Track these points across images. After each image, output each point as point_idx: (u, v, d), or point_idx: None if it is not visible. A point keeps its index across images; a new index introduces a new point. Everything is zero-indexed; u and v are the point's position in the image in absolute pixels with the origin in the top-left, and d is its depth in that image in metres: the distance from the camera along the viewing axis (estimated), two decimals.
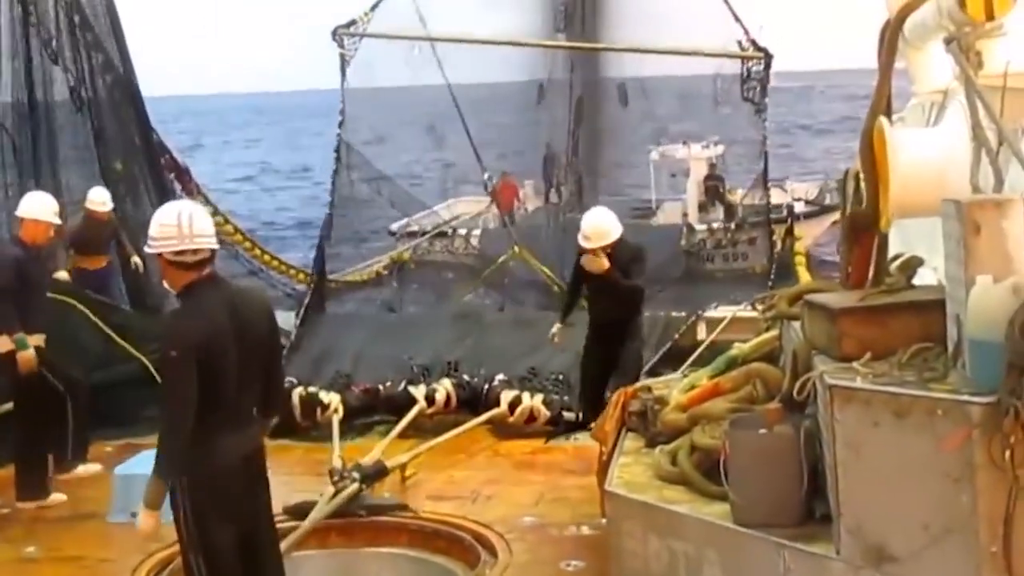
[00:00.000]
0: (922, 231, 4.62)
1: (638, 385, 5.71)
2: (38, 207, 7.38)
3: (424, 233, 16.84)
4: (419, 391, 8.34)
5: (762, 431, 4.15)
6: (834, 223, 19.43)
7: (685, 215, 19.62)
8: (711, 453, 4.42)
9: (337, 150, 12.75)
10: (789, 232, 17.71)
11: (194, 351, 4.26)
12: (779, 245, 17.45)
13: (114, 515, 6.59)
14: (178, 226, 4.37)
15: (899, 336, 3.81)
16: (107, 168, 10.34)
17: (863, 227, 4.50)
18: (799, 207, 19.69)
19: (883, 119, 4.26)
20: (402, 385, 8.46)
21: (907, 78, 5.63)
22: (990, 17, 3.90)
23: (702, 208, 19.60)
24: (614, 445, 5.22)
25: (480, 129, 15.09)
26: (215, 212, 12.40)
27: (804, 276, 13.17)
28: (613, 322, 7.74)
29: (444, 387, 8.41)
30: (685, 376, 5.81)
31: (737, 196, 18.67)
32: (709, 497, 4.35)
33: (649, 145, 20.88)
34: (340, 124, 12.65)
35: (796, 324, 4.62)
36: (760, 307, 5.53)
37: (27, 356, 7.01)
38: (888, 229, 4.31)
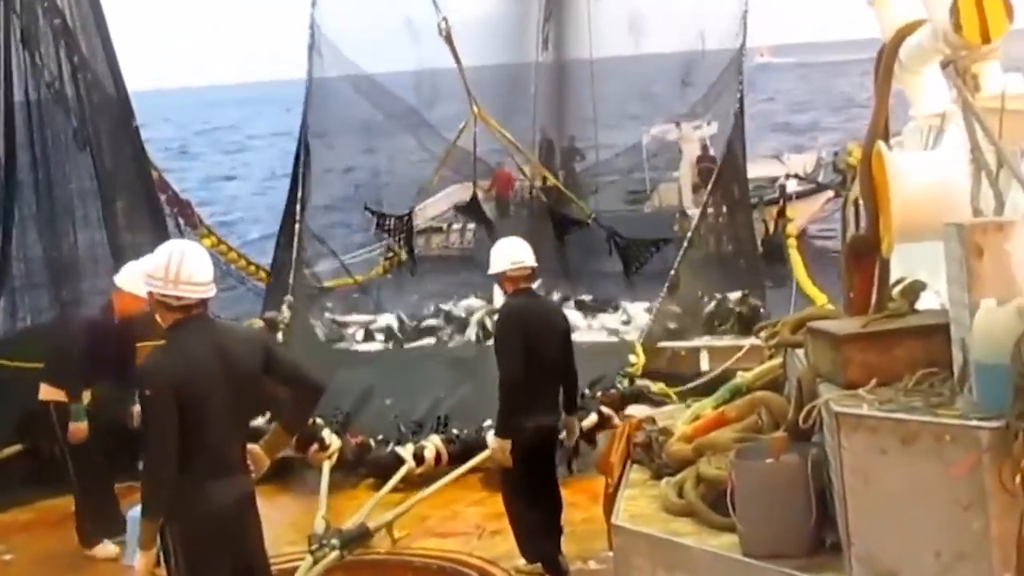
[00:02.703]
0: (924, 255, 4.60)
1: (643, 416, 5.67)
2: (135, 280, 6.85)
3: (427, 229, 16.73)
4: (407, 451, 8.09)
5: (768, 460, 4.12)
6: (828, 201, 19.44)
7: (679, 193, 19.20)
8: (717, 484, 4.38)
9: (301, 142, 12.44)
10: (781, 213, 17.74)
11: (170, 390, 4.23)
12: (771, 228, 17.51)
13: (128, 557, 6.42)
14: (166, 269, 4.38)
15: (904, 362, 3.79)
16: (108, 208, 10.32)
17: (864, 252, 4.49)
18: (791, 185, 19.44)
19: (881, 143, 4.25)
20: (389, 447, 8.21)
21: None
22: (986, 40, 3.91)
23: (696, 190, 18.77)
24: (620, 477, 5.17)
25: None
26: (219, 242, 12.44)
27: (796, 259, 13.11)
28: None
29: (433, 444, 8.15)
30: (689, 406, 5.77)
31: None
32: (717, 529, 4.31)
33: (641, 126, 20.47)
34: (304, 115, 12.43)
35: (800, 352, 4.60)
36: (763, 335, 5.50)
37: (79, 428, 6.83)
38: (889, 254, 4.30)
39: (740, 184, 12.56)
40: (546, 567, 6.13)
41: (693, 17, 14.94)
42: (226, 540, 4.41)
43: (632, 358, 9.49)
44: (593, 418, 8.20)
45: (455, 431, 8.32)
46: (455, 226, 17.34)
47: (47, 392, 6.97)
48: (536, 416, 6.13)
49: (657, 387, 8.98)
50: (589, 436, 7.91)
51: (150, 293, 4.44)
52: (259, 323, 10.09)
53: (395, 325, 11.56)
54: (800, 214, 18.56)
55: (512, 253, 6.28)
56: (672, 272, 11.11)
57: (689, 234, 11.76)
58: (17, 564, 7.01)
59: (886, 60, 4.58)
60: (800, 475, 3.97)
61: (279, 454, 4.98)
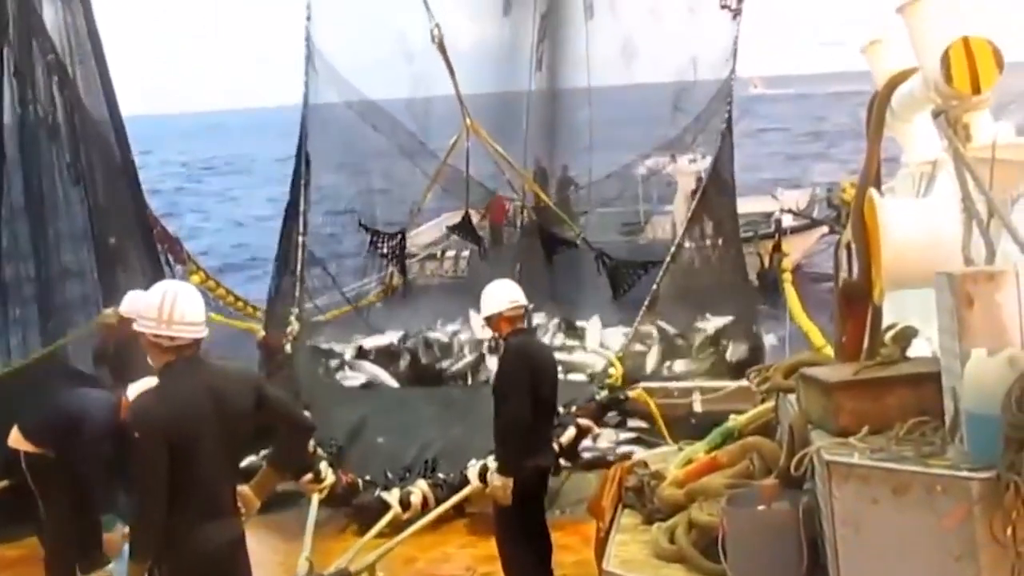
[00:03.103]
0: (916, 300, 4.60)
1: (635, 460, 5.65)
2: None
3: (416, 255, 16.65)
4: (393, 496, 8.03)
5: (760, 507, 4.10)
6: (823, 236, 19.43)
7: (674, 226, 19.23)
8: (709, 530, 4.35)
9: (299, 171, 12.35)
10: (776, 248, 17.79)
11: (160, 434, 4.22)
12: (766, 262, 17.55)
13: None
14: (159, 310, 4.37)
15: (895, 409, 3.78)
16: (101, 244, 10.30)
17: (856, 298, 4.49)
18: (787, 220, 19.51)
19: (873, 191, 4.27)
20: (376, 492, 8.16)
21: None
22: (976, 91, 3.93)
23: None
24: (611, 521, 5.14)
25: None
26: (207, 278, 12.42)
27: (791, 294, 13.07)
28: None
29: (420, 489, 8.09)
30: (681, 449, 5.75)
31: None
32: (708, 575, 4.28)
33: (631, 153, 20.29)
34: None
35: (792, 397, 4.59)
36: (755, 379, 5.49)
37: (113, 540, 6.35)
38: (881, 301, 4.30)
39: (728, 202, 12.40)
40: None
41: (685, 45, 14.94)
42: None
43: (611, 369, 9.46)
44: (571, 432, 8.21)
45: (442, 475, 8.25)
46: (449, 253, 17.32)
47: (17, 440, 6.75)
48: (535, 456, 6.23)
49: (635, 393, 8.93)
50: (569, 450, 7.91)
51: (143, 334, 4.42)
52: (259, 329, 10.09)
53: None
54: (795, 248, 18.66)
55: (507, 294, 6.37)
56: (654, 287, 11.03)
57: (672, 250, 11.63)
58: None
59: (878, 108, 4.61)
60: (791, 522, 3.95)
61: (269, 494, 4.95)
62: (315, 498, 7.79)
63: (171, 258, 11.39)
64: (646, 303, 10.83)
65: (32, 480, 6.72)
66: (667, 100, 16.30)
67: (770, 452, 4.75)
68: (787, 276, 14.84)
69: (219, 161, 70.30)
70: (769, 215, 19.92)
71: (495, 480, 6.27)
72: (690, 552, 4.42)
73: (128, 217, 10.56)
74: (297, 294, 11.11)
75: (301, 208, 12.03)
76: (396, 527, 7.56)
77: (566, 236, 14.56)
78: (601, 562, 4.75)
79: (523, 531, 6.23)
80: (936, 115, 4.07)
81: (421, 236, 17.77)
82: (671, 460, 5.48)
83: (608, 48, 16.09)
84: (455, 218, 16.87)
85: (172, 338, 4.36)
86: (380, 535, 7.43)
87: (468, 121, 13.63)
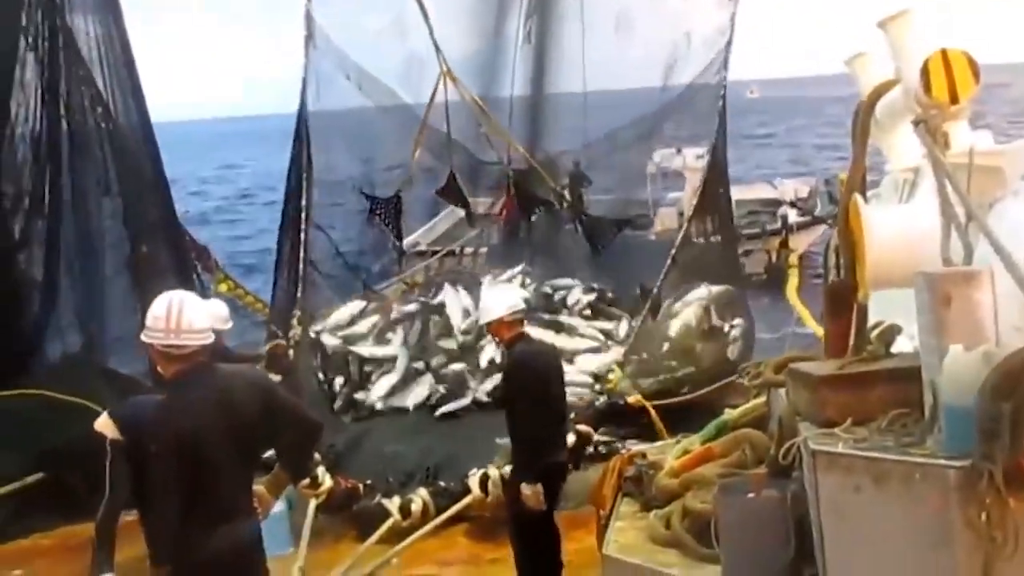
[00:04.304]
0: (900, 300, 4.65)
1: (634, 451, 5.71)
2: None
3: (434, 253, 16.23)
4: (393, 504, 7.72)
5: (750, 495, 4.14)
6: (825, 230, 19.27)
7: (681, 217, 18.89)
8: (702, 517, 4.41)
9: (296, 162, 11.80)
10: (783, 244, 17.77)
11: (172, 443, 4.18)
12: (773, 257, 17.48)
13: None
14: (167, 319, 4.29)
15: (879, 402, 3.83)
16: (135, 252, 10.32)
17: (843, 297, 4.54)
18: (792, 216, 19.40)
19: (858, 196, 4.32)
20: (376, 499, 7.84)
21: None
22: (954, 100, 3.98)
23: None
24: (611, 509, 5.20)
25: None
26: (236, 286, 12.36)
27: (792, 277, 12.95)
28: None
29: (420, 497, 7.76)
30: (679, 442, 5.80)
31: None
32: (701, 560, 4.34)
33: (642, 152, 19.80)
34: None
35: (782, 391, 4.64)
36: (748, 375, 5.54)
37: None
38: (866, 301, 4.35)
39: (725, 194, 12.10)
40: None
41: (680, 20, 14.36)
42: None
43: (610, 375, 9.27)
44: (571, 438, 7.95)
45: (443, 483, 7.97)
46: (467, 249, 16.95)
47: (105, 426, 6.91)
48: (550, 455, 6.20)
49: (634, 399, 8.70)
50: (571, 456, 7.68)
51: (151, 346, 4.35)
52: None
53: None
54: (800, 243, 18.67)
55: (506, 300, 6.35)
56: (655, 291, 10.60)
57: (673, 252, 11.18)
58: None
59: (863, 118, 4.65)
60: (779, 509, 4.00)
61: (283, 491, 4.96)
62: (311, 504, 7.45)
63: (199, 266, 11.34)
64: (647, 307, 10.48)
65: (110, 464, 6.84)
66: (659, 73, 15.56)
67: (761, 443, 4.81)
68: (793, 271, 14.85)
69: (236, 170, 69.33)
70: (769, 203, 19.83)
71: (526, 490, 6.23)
72: (684, 537, 4.48)
73: (159, 226, 10.59)
74: (300, 293, 10.42)
75: (303, 195, 11.47)
76: (395, 535, 7.38)
77: (544, 196, 14.17)
78: (601, 548, 4.81)
79: (537, 529, 6.20)
80: (916, 124, 4.11)
81: (436, 227, 17.45)
82: (668, 451, 5.53)
83: (604, 23, 15.39)
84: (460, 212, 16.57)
85: (180, 346, 4.30)
86: (378, 543, 7.23)
87: (444, 68, 13.15)
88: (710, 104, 12.44)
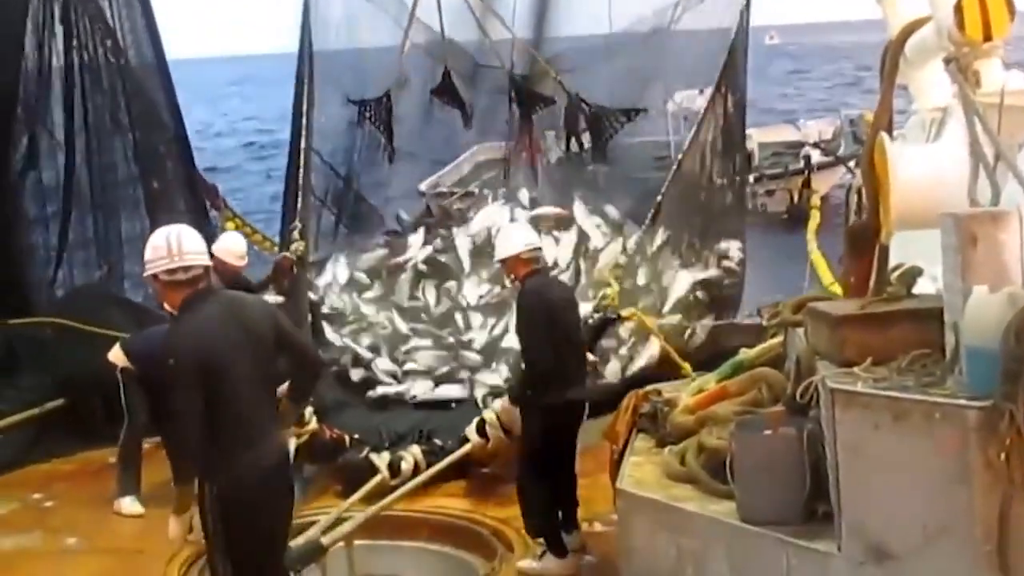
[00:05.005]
0: (922, 242, 4.60)
1: (648, 388, 5.69)
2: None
3: (453, 193, 15.77)
4: (382, 459, 6.96)
5: (766, 432, 4.14)
6: (848, 171, 19.05)
7: (703, 157, 18.36)
8: (718, 453, 4.40)
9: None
10: (806, 184, 17.57)
11: (193, 358, 4.21)
12: (795, 197, 17.24)
13: None
14: (167, 247, 4.36)
15: (899, 343, 3.80)
16: (147, 187, 10.27)
17: (865, 238, 4.49)
18: (816, 157, 19.07)
19: (884, 135, 4.25)
20: (364, 452, 7.08)
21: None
22: (987, 38, 3.90)
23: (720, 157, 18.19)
24: (625, 445, 5.21)
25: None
26: (243, 224, 12.25)
27: (813, 220, 12.64)
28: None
29: (412, 455, 7.02)
30: (694, 380, 5.79)
31: (753, 141, 17.20)
32: (716, 496, 4.34)
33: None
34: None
35: (800, 331, 4.61)
36: (766, 315, 5.51)
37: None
38: (889, 241, 4.30)
39: (740, 131, 11.56)
40: (549, 544, 5.93)
41: None
42: (263, 500, 4.40)
43: (607, 290, 8.64)
44: None
45: (438, 442, 7.27)
46: (486, 191, 16.43)
47: (116, 356, 7.08)
48: (567, 391, 5.93)
49: (629, 312, 8.19)
50: None
51: (155, 277, 4.40)
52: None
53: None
54: (824, 183, 18.46)
55: (524, 236, 6.15)
56: (658, 199, 9.68)
57: (680, 156, 10.34)
58: (57, 511, 7.12)
59: (892, 56, 4.56)
60: (796, 447, 4.00)
61: (289, 424, 4.94)
62: (291, 444, 6.38)
63: (208, 204, 11.29)
64: (650, 216, 9.54)
65: (124, 392, 7.01)
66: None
67: (778, 382, 4.80)
68: (815, 213, 14.61)
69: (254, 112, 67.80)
70: (793, 145, 19.63)
71: (502, 405, 6.04)
72: (699, 473, 4.48)
73: (173, 163, 10.53)
74: (300, 204, 9.59)
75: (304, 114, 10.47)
76: (382, 495, 6.63)
77: (546, 94, 13.62)
78: (615, 482, 4.82)
79: (547, 467, 5.96)
80: (948, 62, 4.03)
81: (461, 166, 17.09)
82: (684, 389, 5.53)
83: None
84: (484, 152, 16.12)
85: (186, 268, 4.34)
86: (363, 501, 6.54)
87: None
88: (722, 46, 11.89)
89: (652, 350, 8.07)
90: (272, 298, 7.81)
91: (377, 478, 6.80)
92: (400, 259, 10.22)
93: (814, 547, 3.79)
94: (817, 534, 3.85)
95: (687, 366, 7.82)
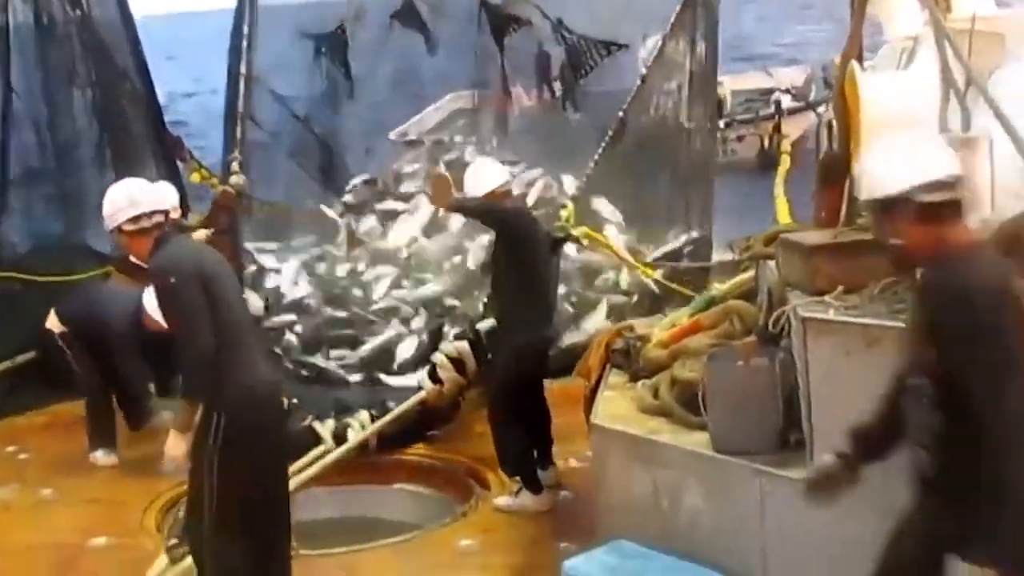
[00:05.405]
0: None
1: (621, 325, 5.68)
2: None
3: (422, 143, 15.41)
4: (326, 428, 6.26)
5: (739, 363, 4.15)
6: (818, 116, 19.11)
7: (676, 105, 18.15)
8: (691, 386, 4.42)
9: None
10: (776, 129, 17.49)
11: (191, 267, 4.22)
12: (766, 143, 17.17)
13: None
14: (126, 197, 4.41)
15: (870, 271, 3.79)
16: (115, 142, 10.07)
17: (836, 169, 4.47)
18: (786, 102, 19.20)
19: (855, 63, 4.22)
20: (308, 420, 6.32)
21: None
22: None
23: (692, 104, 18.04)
24: (598, 380, 5.21)
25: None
26: (209, 175, 11.96)
27: (783, 165, 12.59)
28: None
29: (360, 421, 6.32)
30: (666, 316, 5.79)
31: (724, 88, 16.99)
32: (689, 427, 4.36)
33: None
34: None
35: (771, 263, 4.61)
36: (737, 249, 5.50)
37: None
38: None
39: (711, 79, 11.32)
40: (525, 482, 5.86)
41: None
42: (266, 417, 4.35)
43: (563, 212, 8.26)
44: None
45: (391, 404, 6.58)
46: (457, 138, 16.08)
47: (54, 323, 7.01)
48: (534, 329, 5.82)
49: (581, 231, 7.95)
50: None
51: (119, 230, 4.39)
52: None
53: None
54: (795, 128, 18.45)
55: (496, 173, 6.03)
56: (620, 114, 9.42)
57: (644, 72, 9.90)
58: (32, 463, 7.05)
59: None
60: (768, 377, 4.01)
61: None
62: None
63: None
64: (609, 135, 9.20)
65: (72, 357, 6.93)
66: None
67: (749, 314, 4.80)
68: (785, 158, 14.57)
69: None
70: (765, 92, 19.54)
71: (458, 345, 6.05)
72: (673, 406, 4.50)
73: (138, 119, 10.31)
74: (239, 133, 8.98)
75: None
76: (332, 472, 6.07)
77: (520, 15, 13.15)
78: (589, 417, 4.83)
79: (519, 405, 5.86)
80: None
81: (428, 118, 16.79)
82: (656, 325, 5.52)
83: None
84: (457, 101, 15.85)
85: (149, 215, 4.34)
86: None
87: None
88: None
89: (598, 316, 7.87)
90: (196, 234, 7.05)
91: (318, 449, 6.14)
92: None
93: (788, 475, 3.82)
94: (790, 462, 3.88)
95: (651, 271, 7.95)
